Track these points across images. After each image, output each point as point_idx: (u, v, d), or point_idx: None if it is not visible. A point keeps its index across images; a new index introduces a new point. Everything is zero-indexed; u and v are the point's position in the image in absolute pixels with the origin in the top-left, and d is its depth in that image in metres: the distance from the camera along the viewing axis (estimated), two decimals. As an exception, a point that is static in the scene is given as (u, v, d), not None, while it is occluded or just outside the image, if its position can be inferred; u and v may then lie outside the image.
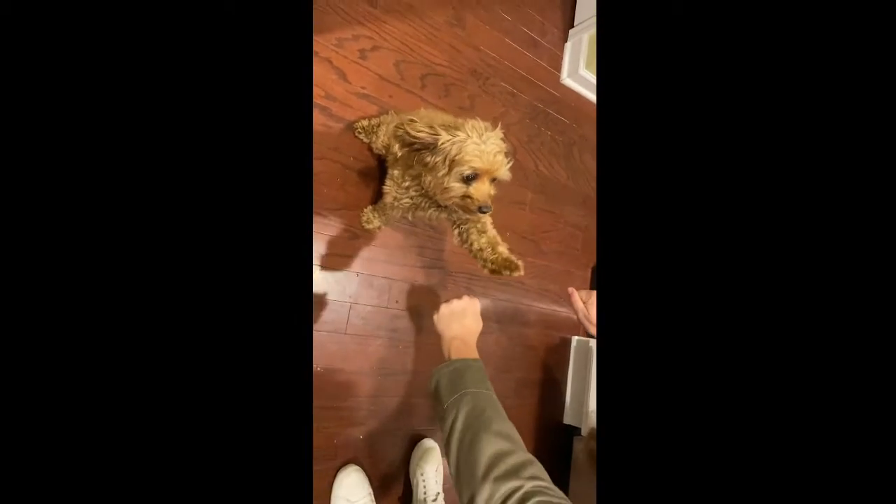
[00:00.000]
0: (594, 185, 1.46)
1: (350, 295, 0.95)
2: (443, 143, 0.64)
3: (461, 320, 0.71)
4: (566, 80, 1.39)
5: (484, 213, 0.68)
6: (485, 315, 1.17)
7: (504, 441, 0.47)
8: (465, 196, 0.68)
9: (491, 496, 0.42)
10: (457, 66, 1.15)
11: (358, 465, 0.93)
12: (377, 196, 0.98)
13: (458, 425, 0.51)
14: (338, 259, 0.95)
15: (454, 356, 0.64)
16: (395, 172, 0.78)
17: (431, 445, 1.01)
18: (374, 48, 1.01)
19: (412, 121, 0.65)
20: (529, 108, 1.30)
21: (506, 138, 1.23)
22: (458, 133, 0.64)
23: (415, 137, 0.65)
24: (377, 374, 0.98)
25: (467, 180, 0.66)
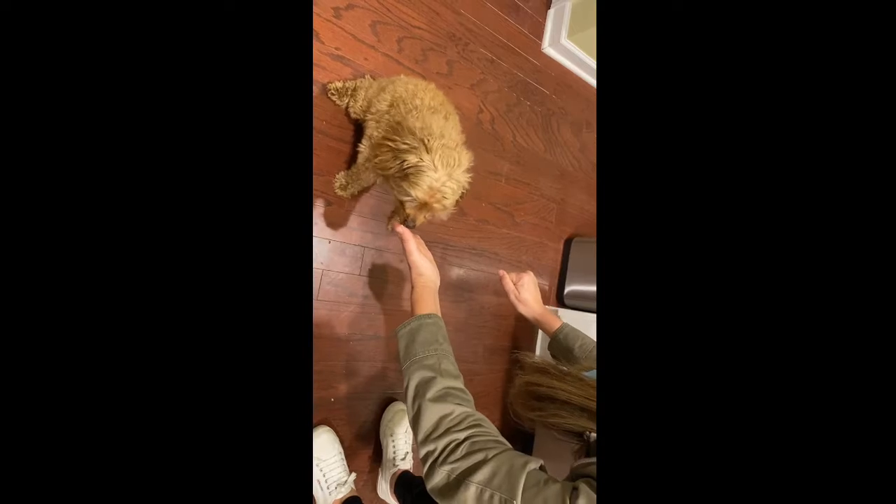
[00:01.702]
0: (571, 158, 1.47)
1: (322, 262, 0.95)
2: (407, 163, 0.67)
3: (433, 269, 0.74)
4: (547, 49, 1.37)
5: (408, 227, 0.73)
6: (458, 284, 1.20)
7: (443, 404, 0.54)
8: (402, 204, 0.72)
9: (434, 450, 0.51)
10: (435, 29, 1.12)
11: (329, 426, 0.95)
12: (351, 161, 0.97)
13: (410, 394, 0.57)
14: (310, 225, 0.94)
15: (415, 307, 0.68)
16: (376, 135, 0.77)
17: (401, 408, 1.04)
18: (350, 7, 0.97)
19: (382, 158, 0.69)
20: (509, 76, 1.28)
21: (484, 107, 1.22)
22: (424, 158, 0.66)
23: (385, 170, 0.69)
24: (349, 339, 1.00)
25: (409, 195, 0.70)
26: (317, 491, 0.89)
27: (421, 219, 0.73)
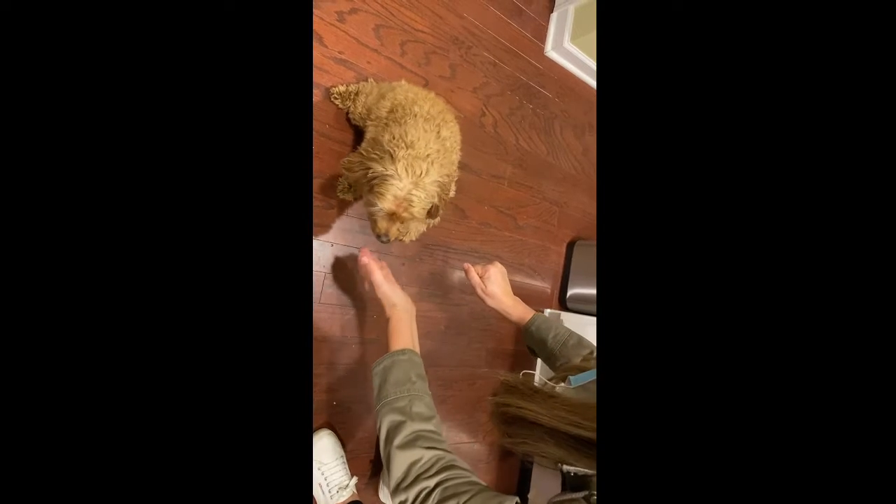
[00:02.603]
0: (573, 161, 1.47)
1: (324, 265, 0.95)
2: (371, 172, 0.68)
3: (403, 293, 0.73)
4: (550, 52, 1.37)
5: (382, 242, 0.74)
6: (460, 287, 1.20)
7: (412, 451, 0.52)
8: (372, 218, 0.72)
9: (405, 501, 0.50)
10: (438, 32, 1.12)
11: (331, 429, 0.95)
12: (353, 165, 0.97)
13: (381, 440, 0.56)
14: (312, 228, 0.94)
15: (390, 342, 0.67)
16: (374, 140, 0.78)
17: (403, 412, 1.03)
18: (353, 11, 0.98)
19: (349, 160, 0.70)
20: (511, 79, 1.29)
21: (486, 111, 1.21)
22: (388, 168, 0.66)
23: (350, 171, 0.70)
24: (351, 342, 1.00)
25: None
26: (318, 494, 0.89)
27: (394, 231, 0.72)
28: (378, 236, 0.73)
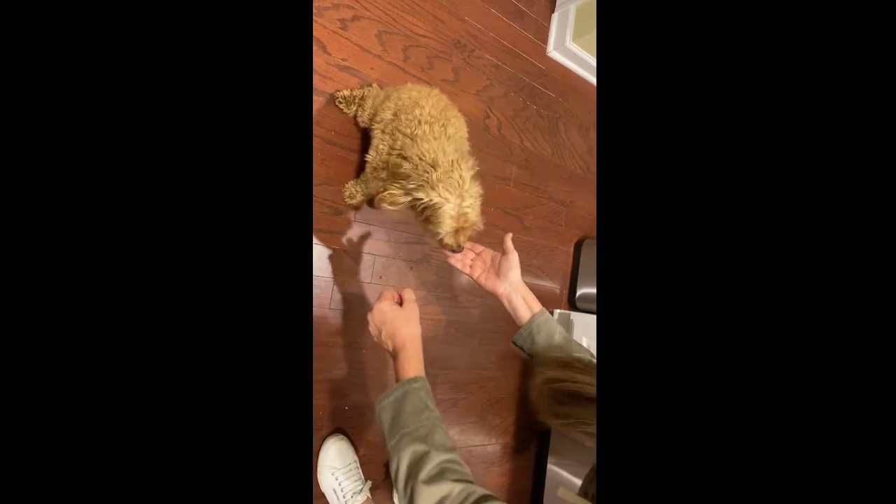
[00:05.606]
0: (579, 160, 1.46)
1: (333, 270, 0.96)
2: (420, 204, 0.69)
3: (389, 330, 0.67)
4: (552, 52, 1.37)
5: (455, 252, 0.75)
6: (469, 289, 1.19)
7: (439, 485, 0.48)
8: (439, 239, 0.73)
9: None
10: (441, 37, 1.13)
11: (344, 434, 0.95)
12: (359, 170, 0.98)
13: (401, 474, 0.52)
14: (320, 235, 0.95)
15: (398, 375, 0.63)
16: (382, 146, 0.78)
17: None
18: (355, 18, 0.99)
19: (391, 193, 0.70)
20: (515, 81, 1.29)
21: (490, 113, 1.22)
22: (432, 196, 0.67)
23: (395, 205, 0.71)
24: (361, 347, 1.00)
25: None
26: (333, 500, 0.89)
27: (462, 239, 0.73)
28: (452, 251, 0.74)
